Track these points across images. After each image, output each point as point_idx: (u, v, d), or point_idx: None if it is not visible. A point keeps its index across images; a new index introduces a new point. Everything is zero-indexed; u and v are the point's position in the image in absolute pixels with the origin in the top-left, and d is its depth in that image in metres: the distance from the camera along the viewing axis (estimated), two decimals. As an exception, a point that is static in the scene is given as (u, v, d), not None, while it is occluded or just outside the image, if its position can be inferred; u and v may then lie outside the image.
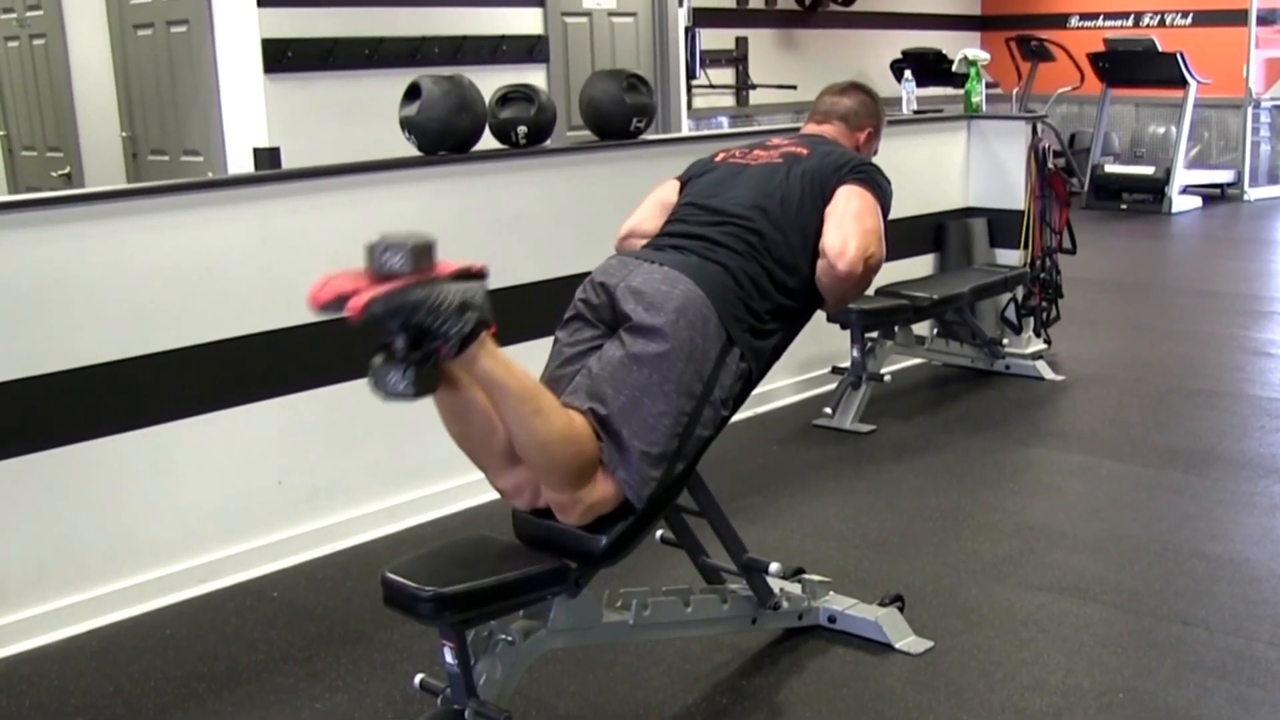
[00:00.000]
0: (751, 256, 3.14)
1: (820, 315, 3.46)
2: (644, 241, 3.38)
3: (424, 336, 2.53)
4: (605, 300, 3.07)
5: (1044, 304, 6.86)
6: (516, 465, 2.89)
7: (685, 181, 3.51)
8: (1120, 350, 7.22)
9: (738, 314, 3.06)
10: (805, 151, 3.38)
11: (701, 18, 9.80)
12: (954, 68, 7.72)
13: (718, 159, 3.51)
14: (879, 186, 3.33)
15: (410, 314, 2.48)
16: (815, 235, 3.22)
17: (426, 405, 4.73)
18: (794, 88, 11.01)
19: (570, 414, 2.85)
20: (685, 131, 8.64)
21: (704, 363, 2.97)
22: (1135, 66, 12.64)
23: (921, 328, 6.57)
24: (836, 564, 4.18)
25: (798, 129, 3.77)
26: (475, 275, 2.62)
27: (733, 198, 3.28)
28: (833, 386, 5.90)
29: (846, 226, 3.19)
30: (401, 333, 2.53)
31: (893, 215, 3.40)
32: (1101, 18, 14.01)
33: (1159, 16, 13.65)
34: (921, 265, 6.93)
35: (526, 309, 4.91)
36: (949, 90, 9.83)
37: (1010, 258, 6.91)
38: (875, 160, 3.55)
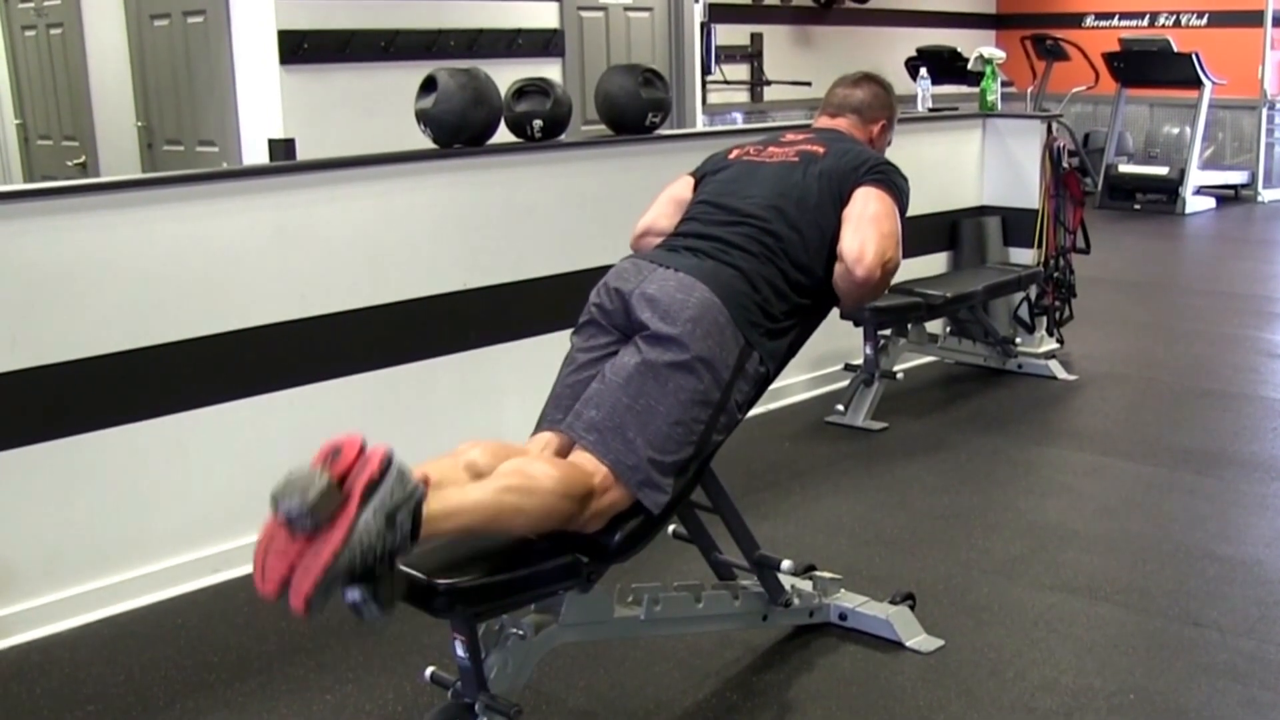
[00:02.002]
0: (767, 258, 3.13)
1: (834, 313, 3.45)
2: (659, 239, 3.37)
3: (373, 572, 2.42)
4: (620, 306, 3.05)
5: (1057, 303, 6.85)
6: None
7: (700, 178, 3.50)
8: (1133, 350, 7.21)
9: (754, 318, 3.04)
10: (822, 150, 3.36)
11: (717, 13, 9.78)
12: (970, 66, 7.72)
13: (732, 156, 3.49)
14: (897, 187, 3.31)
15: (350, 576, 2.38)
16: (832, 236, 3.20)
17: (438, 396, 4.75)
18: (809, 84, 10.99)
19: (539, 481, 2.72)
20: (700, 127, 8.64)
21: (722, 370, 2.96)
22: (1150, 66, 12.61)
23: (934, 326, 6.55)
24: (848, 561, 4.17)
25: (809, 125, 3.75)
26: (381, 475, 2.42)
27: (748, 197, 3.26)
28: (845, 384, 5.90)
29: (864, 231, 3.17)
30: (352, 585, 2.43)
31: (907, 213, 3.39)
32: (1117, 17, 13.98)
33: (1174, 16, 13.61)
34: (935, 263, 6.92)
35: (540, 303, 4.93)
36: (964, 88, 9.80)
37: (1024, 256, 6.89)
38: (889, 155, 3.54)
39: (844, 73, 3.80)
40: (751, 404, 3.13)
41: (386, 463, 2.43)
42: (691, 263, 3.09)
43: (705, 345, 2.93)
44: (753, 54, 11.53)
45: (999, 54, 7.37)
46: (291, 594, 2.36)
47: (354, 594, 2.44)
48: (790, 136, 3.50)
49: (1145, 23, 13.77)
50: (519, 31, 7.48)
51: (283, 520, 2.37)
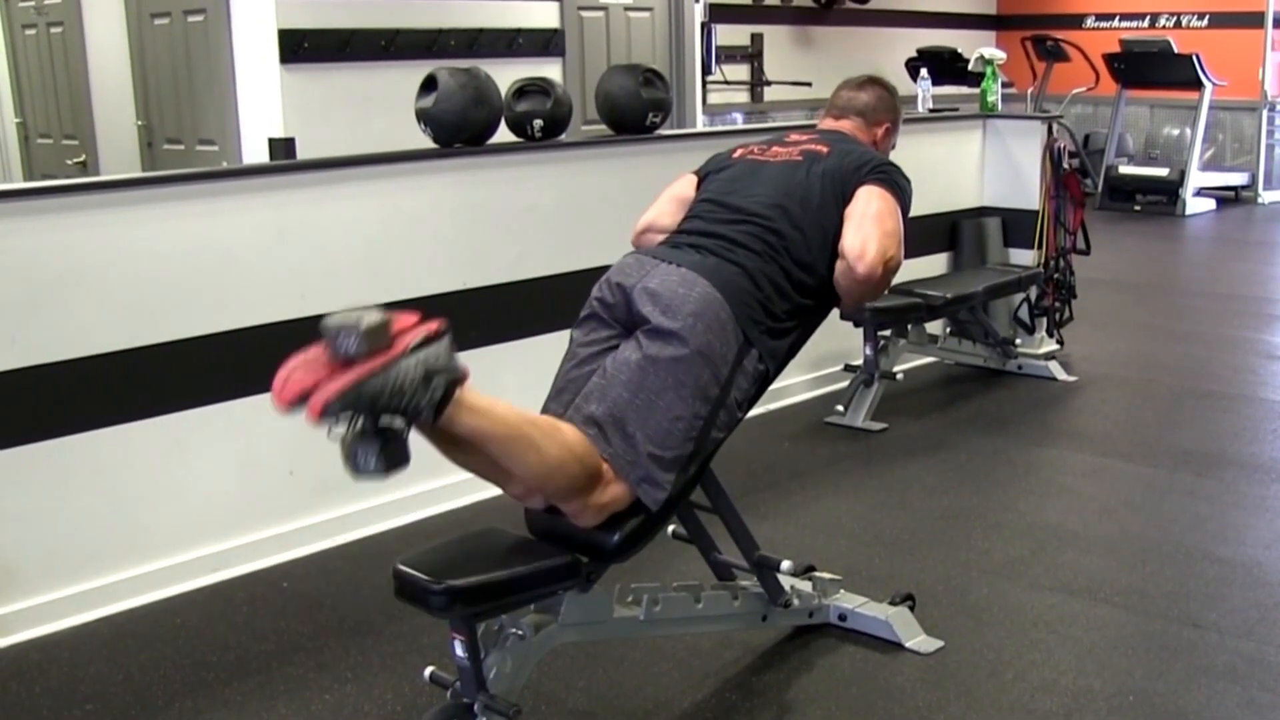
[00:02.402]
0: (770, 257, 3.13)
1: (834, 313, 3.45)
2: (660, 236, 3.37)
3: (392, 416, 2.48)
4: (621, 300, 3.06)
5: (1057, 304, 6.85)
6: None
7: (703, 177, 3.50)
8: (1133, 351, 7.21)
9: (755, 316, 3.04)
10: (825, 150, 3.37)
11: (717, 13, 9.78)
12: (970, 67, 7.72)
13: (736, 155, 3.50)
14: (899, 187, 3.31)
15: (370, 404, 2.44)
16: (834, 235, 3.20)
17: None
18: (809, 84, 11.00)
19: (562, 434, 2.81)
20: (700, 127, 8.63)
21: (721, 366, 2.96)
22: (1150, 68, 12.61)
23: (934, 326, 6.55)
24: (847, 562, 4.17)
25: (815, 125, 3.76)
26: (436, 337, 2.55)
27: (752, 196, 3.26)
28: (845, 384, 5.90)
29: (866, 228, 3.17)
30: (366, 417, 2.47)
31: (909, 214, 3.39)
32: (1117, 18, 13.98)
33: (1175, 18, 13.61)
34: (935, 264, 6.92)
35: (540, 302, 4.93)
36: (964, 89, 9.81)
37: (1024, 257, 6.89)
38: (891, 156, 3.54)
39: (844, 73, 3.80)
40: (752, 402, 3.12)
41: (442, 331, 2.56)
42: (694, 259, 3.09)
43: (706, 340, 2.94)
44: (753, 54, 11.53)
45: (999, 55, 7.37)
46: (312, 399, 2.40)
47: (361, 422, 2.48)
48: (794, 137, 3.50)
49: (1146, 24, 13.77)
50: (519, 31, 7.48)
51: (330, 338, 2.45)
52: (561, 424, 2.87)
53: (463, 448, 2.75)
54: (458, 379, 2.56)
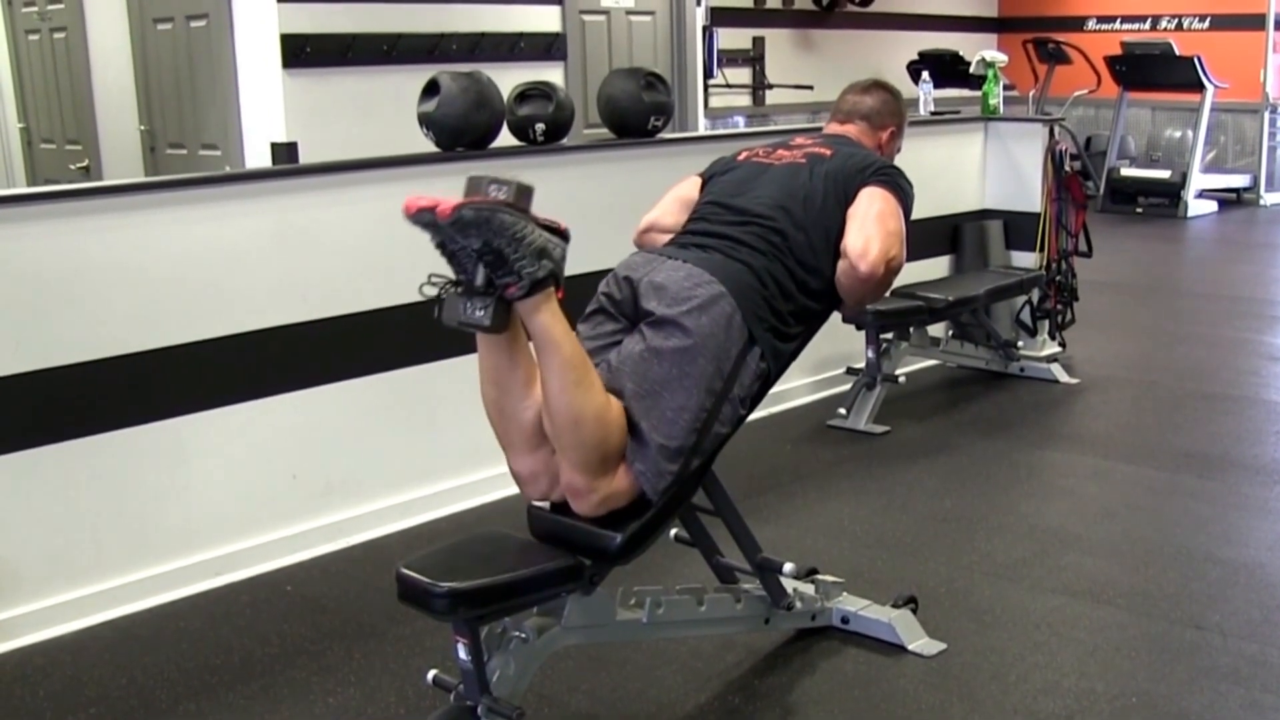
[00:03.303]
0: (775, 256, 3.14)
1: (836, 315, 3.46)
2: (663, 236, 3.39)
3: (500, 266, 2.59)
4: (628, 294, 3.07)
5: (1059, 307, 6.85)
6: (540, 448, 2.89)
7: (707, 179, 3.51)
8: (1135, 354, 7.21)
9: (761, 313, 3.05)
10: (828, 152, 3.38)
11: (719, 17, 9.80)
12: (972, 69, 7.71)
13: (740, 158, 3.51)
14: (901, 189, 3.32)
15: (495, 234, 2.54)
16: (837, 236, 3.21)
17: (442, 399, 4.74)
18: (810, 88, 11.00)
19: (610, 397, 2.86)
20: (702, 131, 8.64)
21: (725, 360, 2.97)
22: (1152, 70, 12.60)
23: (936, 329, 6.56)
24: (850, 565, 4.18)
25: (819, 129, 3.76)
26: (560, 233, 2.70)
27: (756, 197, 3.28)
28: (847, 387, 5.91)
29: (869, 228, 3.18)
30: (481, 257, 2.58)
31: (911, 216, 3.39)
32: (1119, 21, 13.99)
33: (1176, 20, 13.63)
34: (937, 267, 6.92)
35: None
36: (965, 92, 9.81)
37: (1026, 260, 6.90)
38: (895, 160, 3.55)
39: (846, 77, 3.82)
40: (755, 401, 3.13)
41: (567, 235, 2.74)
42: (701, 256, 3.11)
43: (710, 332, 2.95)
44: (754, 58, 11.55)
45: (1001, 57, 7.38)
46: (445, 202, 2.53)
47: (479, 273, 2.61)
48: (799, 140, 3.52)
49: (1147, 26, 13.78)
50: (521, 35, 7.49)
51: (479, 185, 2.58)
52: (609, 393, 2.90)
53: (512, 363, 2.82)
54: (560, 276, 2.68)
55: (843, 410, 5.79)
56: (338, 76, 6.63)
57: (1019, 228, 6.98)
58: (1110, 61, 12.53)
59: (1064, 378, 6.48)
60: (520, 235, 2.56)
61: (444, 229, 2.55)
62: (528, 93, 5.01)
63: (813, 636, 3.75)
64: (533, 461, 2.91)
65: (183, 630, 3.90)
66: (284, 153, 4.85)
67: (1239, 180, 13.05)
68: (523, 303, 2.65)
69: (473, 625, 2.77)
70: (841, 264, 3.19)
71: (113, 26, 7.16)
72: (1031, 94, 10.94)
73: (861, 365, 5.84)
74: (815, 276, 3.20)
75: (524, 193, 2.60)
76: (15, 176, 7.92)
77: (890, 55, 11.88)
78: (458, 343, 4.78)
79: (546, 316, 2.68)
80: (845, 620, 3.77)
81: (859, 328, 5.73)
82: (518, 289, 2.61)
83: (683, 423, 2.92)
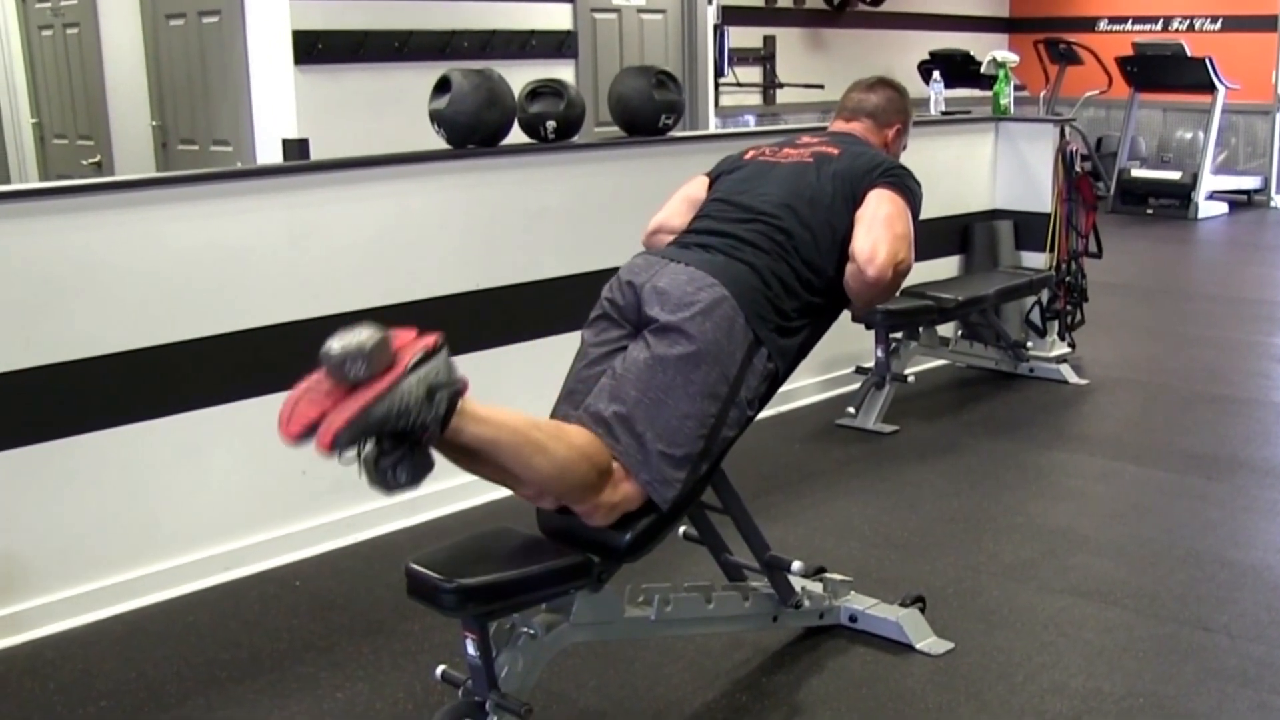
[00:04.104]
0: (779, 256, 3.13)
1: (845, 315, 3.46)
2: (671, 237, 3.38)
3: (401, 438, 2.50)
4: (631, 300, 3.07)
5: (1069, 307, 6.84)
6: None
7: (714, 178, 3.51)
8: (1144, 355, 7.20)
9: (764, 314, 3.05)
10: (836, 152, 3.37)
11: (730, 16, 9.79)
12: (983, 69, 7.72)
13: (747, 156, 3.51)
14: (909, 190, 3.31)
15: (379, 428, 2.46)
16: (844, 237, 3.21)
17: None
18: (821, 87, 11.00)
19: (570, 435, 2.82)
20: (713, 129, 8.64)
21: (730, 364, 2.97)
22: (1163, 71, 12.58)
23: (946, 329, 6.56)
24: (858, 563, 4.18)
25: (826, 127, 3.76)
26: (434, 351, 2.55)
27: (762, 196, 3.27)
28: (856, 386, 5.91)
29: (877, 231, 3.17)
30: (377, 441, 2.50)
31: (920, 216, 3.39)
32: (1130, 21, 13.96)
33: (1188, 21, 13.60)
34: (947, 266, 6.92)
35: (552, 303, 4.94)
36: (976, 92, 9.80)
37: (1036, 260, 6.89)
38: (903, 158, 3.55)
39: (857, 76, 3.80)
40: (763, 402, 3.13)
41: (439, 345, 2.57)
42: (703, 258, 3.10)
43: (714, 338, 2.95)
44: (765, 56, 11.53)
45: (1012, 57, 7.37)
46: (321, 431, 2.43)
47: (374, 450, 2.51)
48: (805, 139, 3.51)
49: (1159, 27, 13.76)
50: (532, 33, 7.49)
51: (333, 365, 2.46)
52: (567, 426, 2.88)
53: (471, 456, 2.75)
54: (459, 391, 2.58)
55: (851, 409, 5.80)
56: (349, 73, 6.64)
57: (1029, 228, 6.97)
58: (1121, 62, 12.51)
59: (1073, 379, 6.47)
60: (401, 408, 2.45)
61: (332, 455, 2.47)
62: (539, 90, 5.02)
63: (820, 635, 3.75)
64: (534, 490, 2.90)
65: (192, 625, 3.91)
66: (295, 149, 4.85)
67: (1250, 182, 13.03)
68: (444, 435, 2.58)
69: (481, 621, 2.78)
70: (850, 268, 3.18)
71: (125, 22, 7.17)
72: (1042, 94, 10.94)
73: (870, 364, 5.84)
74: (820, 276, 3.19)
75: (379, 351, 2.46)
76: (28, 171, 7.94)
77: (901, 55, 11.87)
78: (464, 340, 4.81)
79: (472, 429, 2.62)
80: (853, 619, 3.77)
81: (868, 327, 5.73)
82: (429, 436, 2.54)
83: (687, 430, 2.92)
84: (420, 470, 2.55)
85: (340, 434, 2.41)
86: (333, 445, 2.42)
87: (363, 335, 2.46)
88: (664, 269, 3.07)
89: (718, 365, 2.95)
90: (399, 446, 2.51)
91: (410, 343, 2.54)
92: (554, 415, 3.05)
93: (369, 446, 2.49)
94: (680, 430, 2.91)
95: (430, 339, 2.56)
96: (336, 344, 2.45)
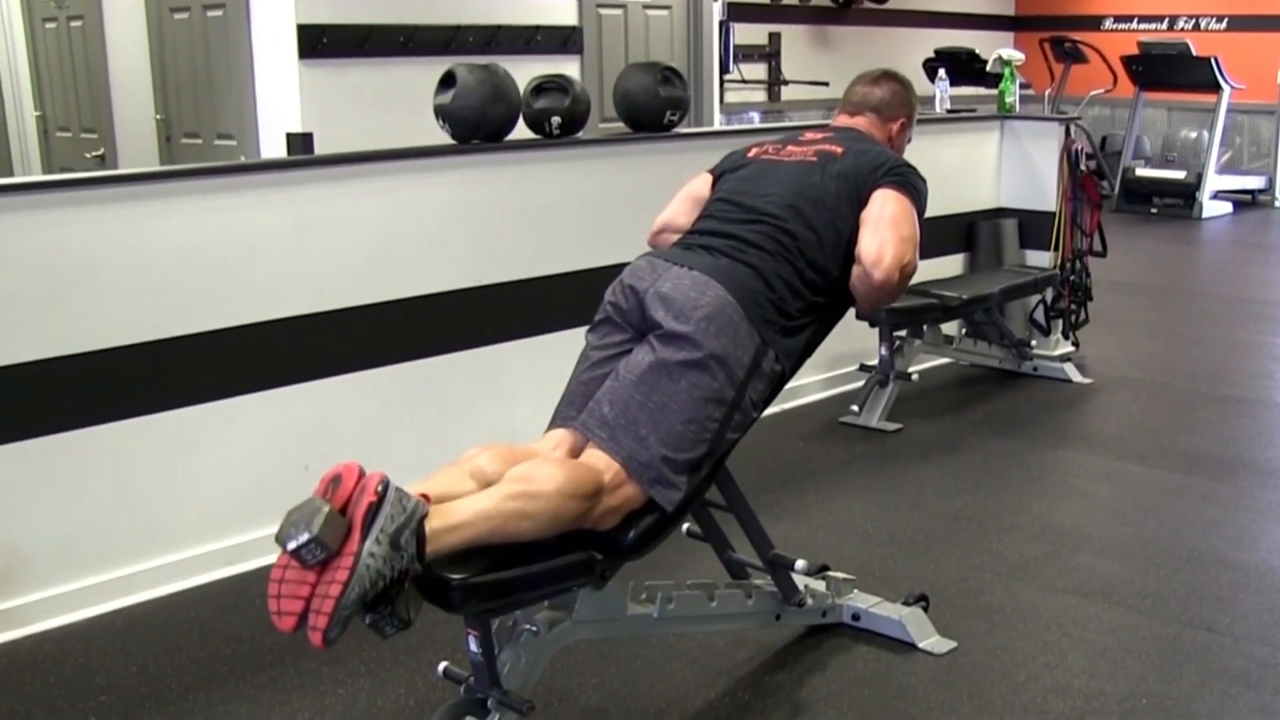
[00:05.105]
0: (783, 256, 3.12)
1: (850, 313, 3.44)
2: (675, 236, 3.37)
3: (382, 601, 2.50)
4: (634, 304, 3.05)
5: (1073, 306, 6.84)
6: None
7: (718, 176, 3.50)
8: (1148, 354, 7.20)
9: (769, 316, 3.04)
10: (840, 150, 3.36)
11: (735, 12, 9.78)
12: (988, 68, 7.69)
13: (751, 154, 3.49)
14: (915, 189, 3.29)
15: (363, 606, 2.46)
16: (849, 237, 3.20)
17: (453, 391, 4.75)
18: (826, 84, 10.99)
19: (542, 483, 2.73)
20: (718, 126, 8.63)
21: (736, 368, 2.96)
22: (1169, 70, 12.56)
23: (950, 327, 6.54)
24: (861, 562, 4.17)
25: (829, 122, 3.75)
26: (380, 500, 2.48)
27: (766, 196, 3.26)
28: (860, 384, 5.90)
29: (883, 233, 3.16)
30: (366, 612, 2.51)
31: (925, 215, 3.38)
32: (1135, 20, 13.95)
33: (1194, 20, 13.59)
34: (951, 265, 6.91)
35: (556, 300, 4.94)
36: (981, 90, 9.79)
37: (1040, 259, 6.89)
38: (907, 155, 3.53)
39: (861, 73, 3.78)
40: (767, 403, 3.12)
41: (384, 487, 2.49)
42: (706, 261, 3.09)
43: (719, 343, 2.93)
44: (770, 53, 11.53)
45: (1018, 56, 7.35)
46: (310, 634, 2.44)
47: (371, 618, 2.53)
48: (809, 135, 3.49)
49: (1164, 26, 13.74)
50: (538, 28, 7.48)
51: (293, 552, 2.43)
52: (537, 471, 2.76)
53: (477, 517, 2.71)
54: (420, 520, 2.53)
55: (855, 407, 5.79)
56: (354, 67, 6.63)
57: (1034, 226, 6.96)
58: (1127, 61, 12.49)
59: (1077, 377, 6.47)
60: (374, 578, 2.44)
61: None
62: (544, 86, 5.01)
63: (823, 633, 3.75)
64: None
65: (193, 619, 3.91)
66: (299, 143, 4.84)
67: (1254, 182, 13.00)
68: (424, 563, 2.56)
69: (484, 618, 2.78)
70: (856, 270, 3.17)
71: (129, 15, 7.17)
72: (1047, 93, 10.90)
73: (875, 362, 5.84)
74: (825, 276, 3.18)
75: (328, 528, 2.42)
76: (31, 164, 7.93)
77: (906, 52, 11.84)
78: (471, 336, 4.81)
79: (448, 543, 2.59)
80: (856, 617, 3.77)
81: (872, 325, 5.72)
82: (410, 576, 2.53)
83: (691, 435, 2.91)
84: (409, 611, 2.57)
85: (329, 631, 2.42)
86: (328, 643, 2.43)
87: (308, 515, 2.43)
88: (667, 273, 3.05)
89: (723, 370, 2.94)
90: (385, 603, 2.51)
91: (356, 494, 2.49)
92: (555, 418, 3.04)
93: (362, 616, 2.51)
94: (684, 435, 2.90)
95: (373, 483, 2.48)
96: (289, 537, 2.43)
